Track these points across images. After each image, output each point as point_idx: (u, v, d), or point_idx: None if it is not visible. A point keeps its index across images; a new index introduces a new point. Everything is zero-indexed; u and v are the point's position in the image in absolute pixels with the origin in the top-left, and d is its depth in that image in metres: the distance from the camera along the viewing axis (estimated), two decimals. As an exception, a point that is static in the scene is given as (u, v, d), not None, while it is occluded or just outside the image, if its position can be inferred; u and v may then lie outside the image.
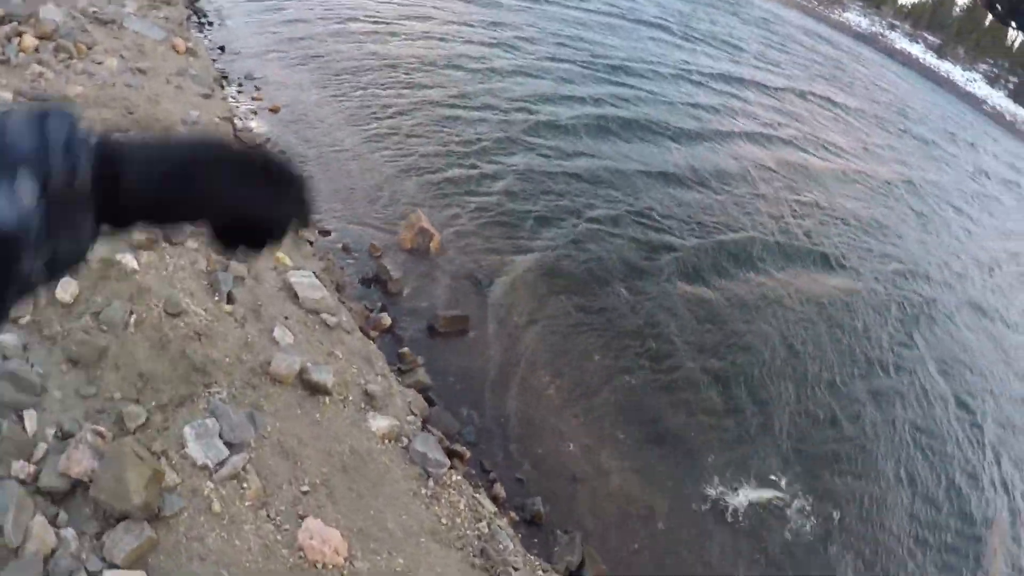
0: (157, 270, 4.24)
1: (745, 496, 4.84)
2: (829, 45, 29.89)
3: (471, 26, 13.53)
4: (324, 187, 6.84)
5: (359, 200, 6.79)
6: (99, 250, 4.27)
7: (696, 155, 10.67)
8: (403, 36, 11.85)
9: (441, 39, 12.24)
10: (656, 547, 4.28)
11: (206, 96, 7.32)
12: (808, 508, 5.00)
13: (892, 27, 49.25)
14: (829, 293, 8.31)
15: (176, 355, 3.49)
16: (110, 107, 6.15)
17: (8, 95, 5.65)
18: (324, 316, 4.56)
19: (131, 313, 3.61)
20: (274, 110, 8.07)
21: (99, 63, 6.83)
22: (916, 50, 45.56)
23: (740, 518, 4.71)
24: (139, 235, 4.33)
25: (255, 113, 7.93)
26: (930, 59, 44.29)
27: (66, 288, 3.54)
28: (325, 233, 6.04)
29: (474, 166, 8.02)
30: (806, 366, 6.66)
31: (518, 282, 6.12)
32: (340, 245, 5.93)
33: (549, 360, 5.42)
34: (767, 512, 4.90)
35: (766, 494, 4.99)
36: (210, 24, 10.13)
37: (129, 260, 4.10)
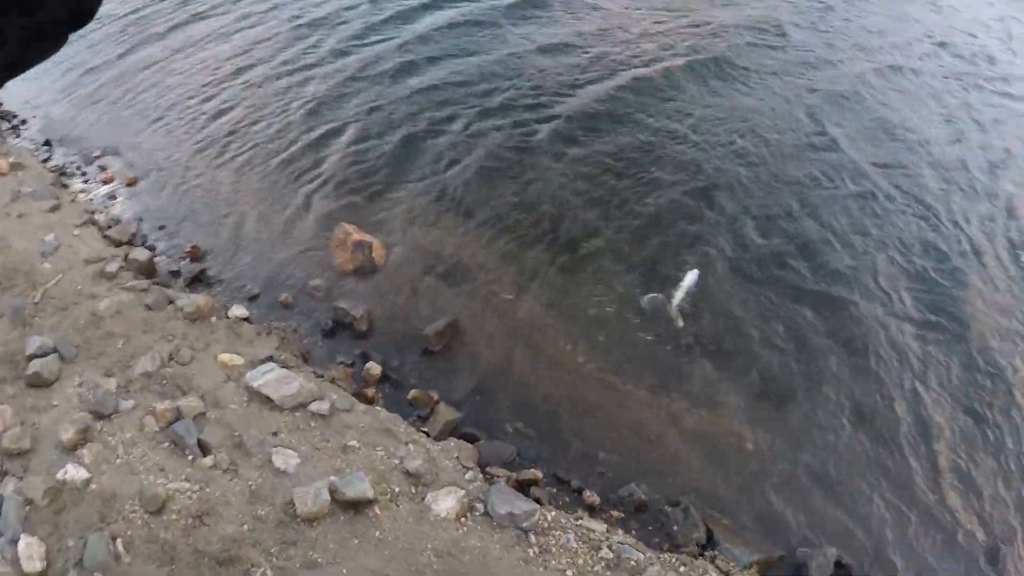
0: (110, 463, 3.61)
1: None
2: None
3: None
4: (227, 246, 6.01)
5: (268, 241, 5.97)
6: (34, 482, 3.69)
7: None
8: (188, 43, 10.25)
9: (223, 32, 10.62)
10: (764, 475, 4.08)
11: (54, 209, 6.24)
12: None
13: None
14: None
15: (190, 559, 2.98)
16: (-47, 282, 5.16)
17: None
18: (313, 407, 4.01)
19: (114, 539, 3.04)
20: (131, 183, 6.98)
21: None
22: None
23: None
24: (65, 432, 3.68)
25: (114, 198, 6.85)
26: None
27: (29, 555, 2.94)
28: (254, 298, 5.33)
29: (356, 140, 7.08)
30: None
31: (482, 252, 5.53)
32: (280, 301, 5.24)
33: (555, 321, 4.98)
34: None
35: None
36: (23, 122, 8.61)
37: (74, 472, 3.46)
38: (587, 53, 8.87)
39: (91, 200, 6.85)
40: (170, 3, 11.71)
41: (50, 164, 7.56)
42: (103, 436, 3.79)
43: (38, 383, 4.22)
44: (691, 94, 8.02)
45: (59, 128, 8.49)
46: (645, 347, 4.90)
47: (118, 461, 3.64)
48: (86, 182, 7.18)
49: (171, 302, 5.04)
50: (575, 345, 4.90)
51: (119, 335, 4.57)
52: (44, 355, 4.33)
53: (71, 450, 3.69)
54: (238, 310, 5.05)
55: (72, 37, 1.19)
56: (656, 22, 9.99)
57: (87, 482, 3.49)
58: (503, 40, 9.12)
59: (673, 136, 7.18)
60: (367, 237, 5.72)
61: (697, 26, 9.88)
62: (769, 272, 5.49)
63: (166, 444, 3.74)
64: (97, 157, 7.64)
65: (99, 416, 3.88)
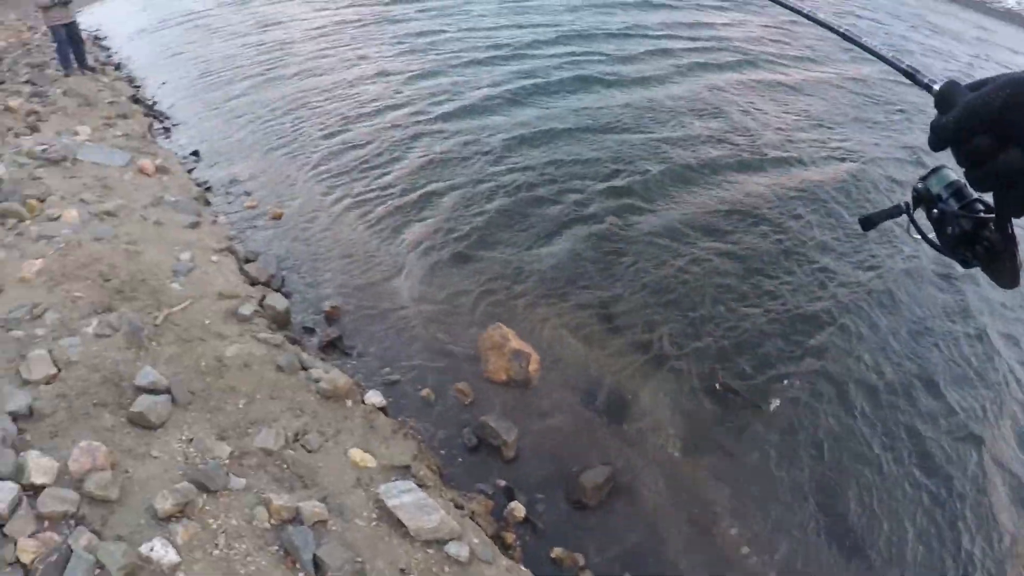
0: (205, 553, 2.87)
1: None
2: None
3: (433, 52, 12.11)
4: (366, 313, 5.46)
5: (412, 317, 5.39)
6: (114, 552, 2.98)
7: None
8: (354, 76, 10.48)
9: (403, 69, 10.83)
10: None
11: (194, 225, 5.95)
12: None
13: None
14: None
15: None
16: (81, 279, 4.75)
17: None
18: (450, 549, 3.20)
19: None
20: (277, 217, 6.71)
21: (56, 219, 5.45)
22: None
23: None
24: (162, 501, 2.99)
25: (256, 228, 6.58)
26: None
27: None
28: (393, 384, 4.66)
29: (517, 221, 6.62)
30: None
31: (646, 390, 4.76)
32: (420, 394, 4.56)
33: (724, 497, 4.08)
34: None
35: None
36: (174, 125, 8.78)
37: (162, 550, 2.74)
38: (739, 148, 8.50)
39: (232, 225, 6.59)
40: (345, 43, 12.25)
41: (195, 176, 7.47)
42: (204, 515, 3.07)
43: (142, 423, 3.59)
44: (827, 209, 7.50)
45: (208, 140, 8.54)
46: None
47: (216, 553, 2.89)
48: (229, 203, 6.98)
49: (305, 369, 4.41)
50: (742, 529, 3.97)
51: (242, 392, 3.95)
52: (155, 393, 3.75)
53: (164, 521, 2.99)
54: (375, 397, 4.34)
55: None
56: (803, 129, 9.56)
57: (174, 568, 2.75)
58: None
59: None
60: (526, 347, 4.96)
61: (840, 143, 9.37)
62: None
63: (275, 548, 2.98)
64: (243, 180, 7.50)
65: (204, 489, 3.18)
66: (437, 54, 11.85)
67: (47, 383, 3.77)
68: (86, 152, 6.66)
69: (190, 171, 7.33)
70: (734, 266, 6.25)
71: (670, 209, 7.06)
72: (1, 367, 3.84)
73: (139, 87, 10.79)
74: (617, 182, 7.46)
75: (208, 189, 7.11)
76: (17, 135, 7.23)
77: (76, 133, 7.55)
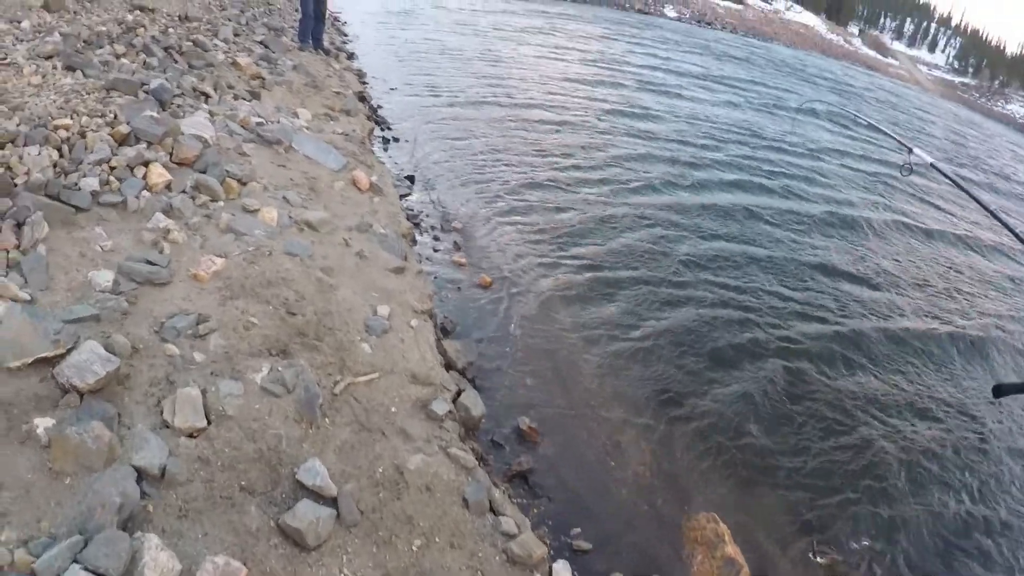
0: None
1: None
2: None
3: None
4: (563, 448, 4.00)
5: (621, 474, 3.88)
6: None
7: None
8: (584, 139, 9.18)
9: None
10: None
11: (398, 271, 4.66)
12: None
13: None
14: None
15: None
16: (262, 300, 3.50)
17: (106, 276, 3.15)
18: None
19: None
20: (485, 285, 5.37)
21: (253, 212, 4.31)
22: None
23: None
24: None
25: (459, 290, 5.25)
26: None
27: None
28: (582, 553, 3.33)
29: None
30: None
31: None
32: None
33: None
34: None
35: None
36: (395, 139, 7.84)
37: None
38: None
39: (435, 277, 5.28)
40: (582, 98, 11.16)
41: (407, 204, 6.30)
42: None
43: (295, 539, 2.31)
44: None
45: (424, 166, 7.45)
46: None
47: None
48: (436, 251, 5.71)
49: (495, 512, 3.08)
50: None
51: (419, 528, 2.70)
52: (319, 500, 2.47)
53: None
54: (563, 570, 3.04)
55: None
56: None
57: None
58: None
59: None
60: (739, 555, 3.51)
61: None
62: None
63: None
64: (454, 225, 6.25)
65: None
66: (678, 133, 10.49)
67: (190, 436, 2.55)
68: (302, 142, 5.66)
69: (403, 198, 6.21)
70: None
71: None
72: (142, 389, 2.57)
73: (367, 84, 10.18)
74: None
75: (417, 224, 5.94)
76: (236, 96, 6.43)
77: (296, 115, 6.69)
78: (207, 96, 6.15)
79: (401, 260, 4.79)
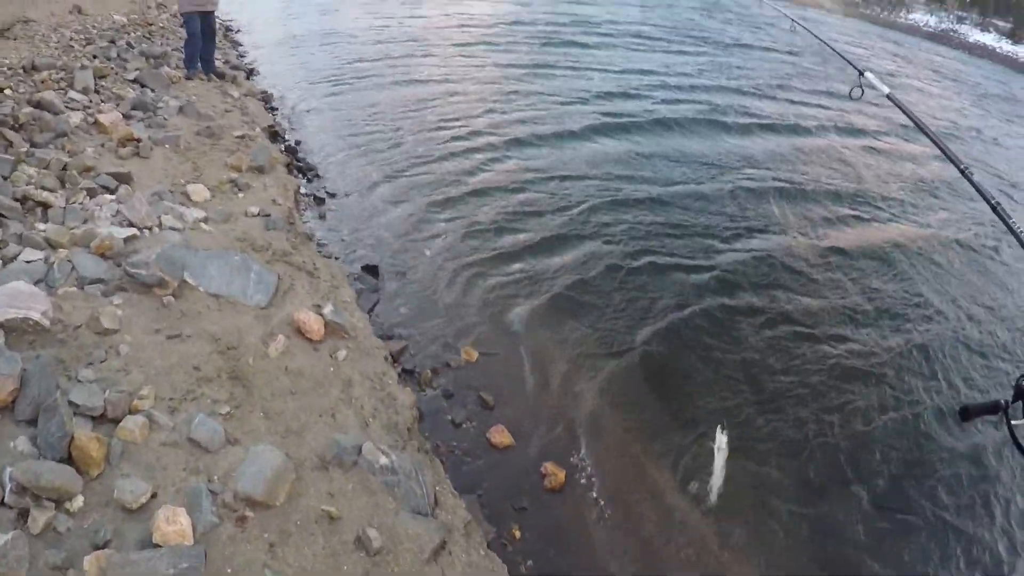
0: None
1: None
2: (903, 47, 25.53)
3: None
4: None
5: None
6: None
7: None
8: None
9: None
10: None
11: (436, 552, 2.73)
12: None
13: (960, 20, 47.30)
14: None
15: None
16: None
17: None
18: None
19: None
20: (554, 488, 3.56)
21: (139, 519, 2.34)
22: (989, 39, 42.77)
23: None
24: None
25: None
26: (1005, 46, 41.34)
27: None
28: None
29: None
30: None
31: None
32: None
33: None
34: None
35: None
36: (331, 195, 5.79)
37: None
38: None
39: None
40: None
41: (389, 340, 4.30)
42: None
43: None
44: None
45: (378, 232, 5.47)
46: None
47: None
48: (457, 424, 3.82)
49: None
50: None
51: None
52: None
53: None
54: None
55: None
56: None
57: None
58: None
59: None
60: None
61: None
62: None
63: None
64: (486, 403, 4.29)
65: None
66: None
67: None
68: (201, 267, 3.63)
69: (386, 341, 4.17)
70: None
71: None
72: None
73: (276, 110, 7.93)
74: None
75: (409, 371, 3.99)
76: (92, 192, 4.33)
77: (187, 197, 4.59)
78: (46, 207, 4.05)
79: (440, 535, 2.77)
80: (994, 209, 1.93)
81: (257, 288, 3.71)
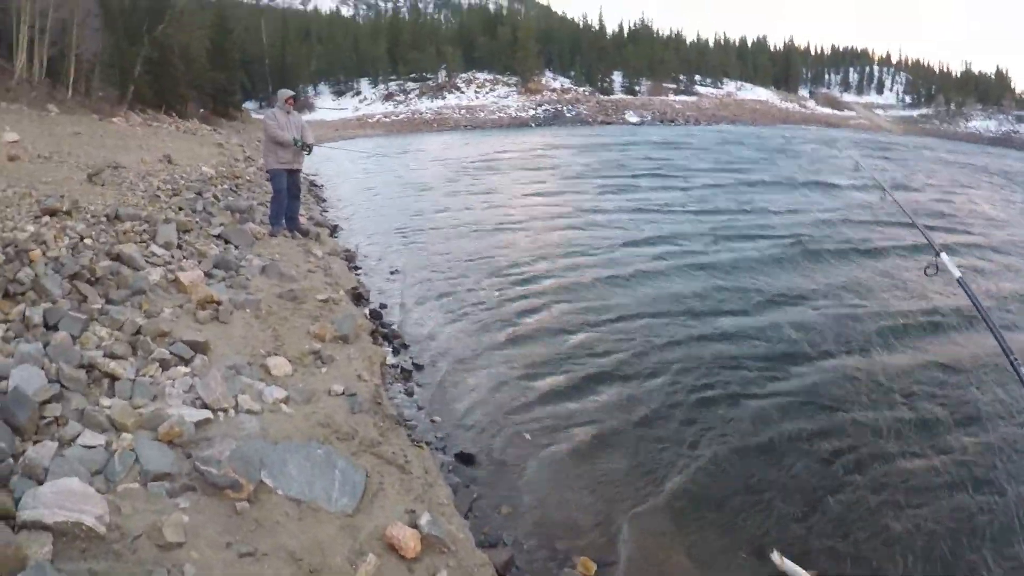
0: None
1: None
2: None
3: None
4: None
5: None
6: None
7: None
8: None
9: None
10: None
11: None
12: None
13: (1020, 120, 47.64)
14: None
15: None
16: None
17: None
18: None
19: None
20: None
21: None
22: None
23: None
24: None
25: None
26: None
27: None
28: None
29: None
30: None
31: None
32: None
33: None
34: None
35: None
36: (417, 367, 5.31)
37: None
38: None
39: None
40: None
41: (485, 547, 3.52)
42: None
43: None
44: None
45: (472, 416, 4.83)
46: None
47: None
48: None
49: None
50: None
51: None
52: None
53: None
54: None
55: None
56: None
57: None
58: None
59: None
60: None
61: None
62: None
63: None
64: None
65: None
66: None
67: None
68: (279, 465, 3.04)
69: (483, 545, 3.47)
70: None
71: None
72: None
73: (359, 270, 7.79)
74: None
75: None
76: (164, 363, 3.90)
77: (266, 371, 4.14)
78: (114, 378, 3.63)
79: None
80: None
81: (343, 490, 3.07)
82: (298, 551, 2.60)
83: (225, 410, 3.46)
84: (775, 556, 3.29)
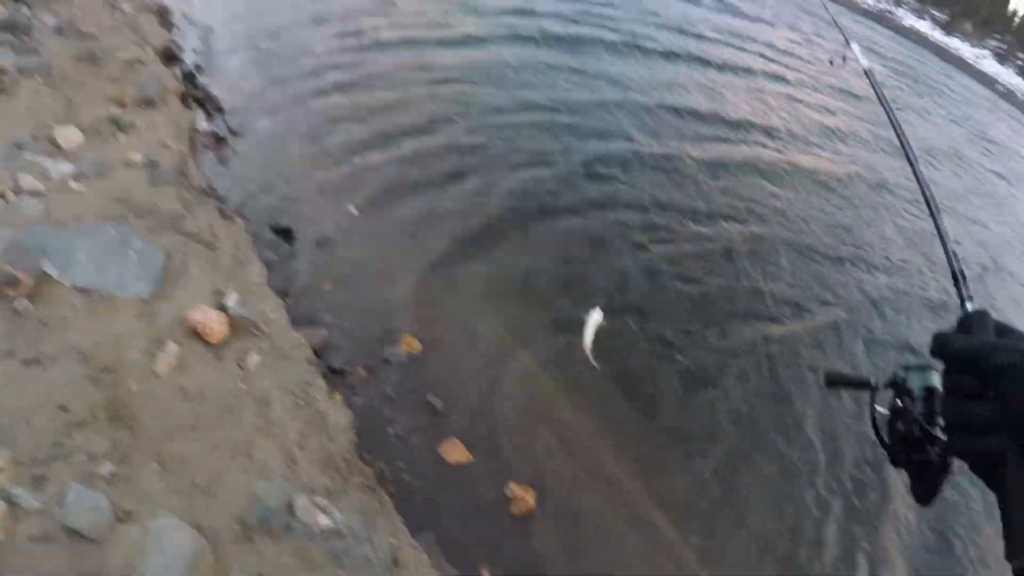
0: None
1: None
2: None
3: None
4: None
5: None
6: None
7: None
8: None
9: None
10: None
11: None
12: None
13: (899, 3, 48.17)
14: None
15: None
16: None
17: None
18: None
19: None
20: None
21: None
22: (924, 26, 44.39)
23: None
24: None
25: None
26: (938, 35, 43.13)
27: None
28: None
29: None
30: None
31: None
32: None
33: None
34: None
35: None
36: (233, 132, 4.98)
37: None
38: None
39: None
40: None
41: (313, 339, 3.75)
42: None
43: None
44: None
45: (290, 173, 4.82)
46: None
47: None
48: (403, 439, 3.42)
49: None
50: None
51: None
52: None
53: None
54: None
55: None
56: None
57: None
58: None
59: None
60: None
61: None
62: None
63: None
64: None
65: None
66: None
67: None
68: (67, 254, 3.01)
69: (301, 322, 3.60)
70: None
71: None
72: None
73: (174, 27, 6.62)
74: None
75: (353, 389, 3.47)
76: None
77: (55, 145, 3.81)
78: None
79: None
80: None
81: (140, 274, 3.14)
82: (89, 349, 2.63)
83: (2, 195, 3.27)
84: (596, 312, 3.34)
